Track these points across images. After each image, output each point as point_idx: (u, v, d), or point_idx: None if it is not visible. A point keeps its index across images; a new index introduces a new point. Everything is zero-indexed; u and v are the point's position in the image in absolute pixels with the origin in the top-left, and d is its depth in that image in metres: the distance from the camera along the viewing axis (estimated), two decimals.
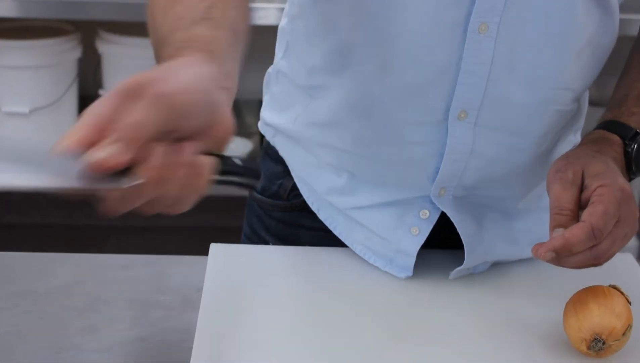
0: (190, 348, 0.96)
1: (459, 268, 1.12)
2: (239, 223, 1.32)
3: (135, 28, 2.36)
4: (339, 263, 1.16)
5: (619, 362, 0.98)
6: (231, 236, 1.28)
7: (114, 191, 0.72)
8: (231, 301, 1.06)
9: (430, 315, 1.06)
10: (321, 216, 1.19)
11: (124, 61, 2.36)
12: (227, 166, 0.80)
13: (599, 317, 0.96)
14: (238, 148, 2.48)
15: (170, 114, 0.73)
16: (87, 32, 2.45)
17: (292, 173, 1.21)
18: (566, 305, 1.00)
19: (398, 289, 1.11)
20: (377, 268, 1.14)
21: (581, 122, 1.21)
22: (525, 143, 1.10)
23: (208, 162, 0.76)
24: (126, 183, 0.71)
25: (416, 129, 1.08)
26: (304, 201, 1.19)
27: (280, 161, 1.22)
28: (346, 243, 1.17)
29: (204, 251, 1.16)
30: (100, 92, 2.41)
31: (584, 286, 1.01)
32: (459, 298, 1.10)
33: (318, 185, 1.18)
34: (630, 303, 0.99)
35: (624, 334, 0.97)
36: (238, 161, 0.81)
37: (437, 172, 1.09)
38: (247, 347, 0.97)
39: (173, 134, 0.74)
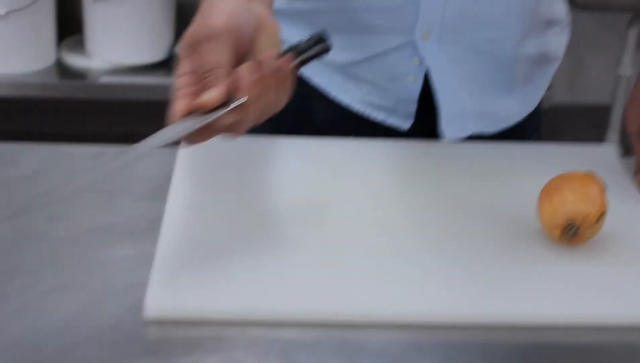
0: (158, 237, 0.95)
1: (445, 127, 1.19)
2: None
3: None
4: (312, 151, 1.15)
5: (592, 249, 0.97)
6: None
7: (227, 116, 0.86)
8: (201, 191, 1.05)
9: (401, 201, 1.05)
10: (316, 80, 1.23)
11: None
12: (297, 50, 0.94)
13: (573, 203, 0.95)
14: None
15: (231, 36, 0.86)
16: None
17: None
18: (541, 191, 0.99)
19: (368, 175, 1.10)
20: (341, 155, 1.14)
21: None
22: None
23: (285, 58, 0.89)
24: (233, 103, 0.86)
25: None
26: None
27: None
28: (344, 101, 1.23)
29: None
30: None
31: (560, 174, 1.00)
32: (432, 182, 1.09)
33: None
34: (605, 190, 0.97)
35: (597, 221, 0.95)
36: (303, 42, 0.96)
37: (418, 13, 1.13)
38: (216, 237, 0.96)
39: (242, 50, 0.88)
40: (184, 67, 0.88)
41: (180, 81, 0.87)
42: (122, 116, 2.62)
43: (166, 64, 2.42)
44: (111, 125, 2.64)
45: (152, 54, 2.41)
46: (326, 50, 0.97)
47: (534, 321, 0.88)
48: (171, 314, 0.86)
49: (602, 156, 1.16)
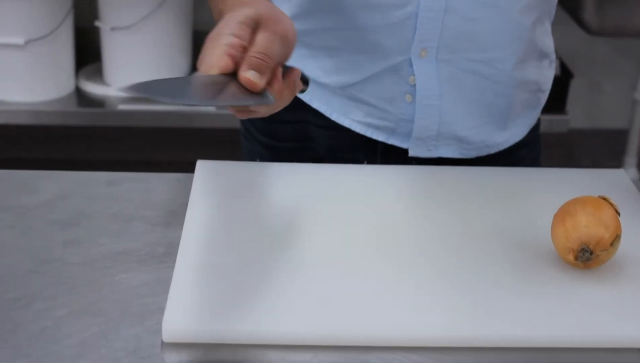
0: (174, 262, 0.96)
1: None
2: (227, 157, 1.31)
3: None
4: (322, 177, 1.15)
5: (607, 273, 0.97)
6: None
7: (256, 106, 0.91)
8: (217, 216, 1.05)
9: (415, 224, 1.05)
10: (315, 104, 1.25)
11: None
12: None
13: (586, 227, 0.95)
14: None
15: (285, 48, 0.91)
16: None
17: None
18: (554, 215, 0.99)
19: (381, 200, 1.10)
20: (352, 180, 1.14)
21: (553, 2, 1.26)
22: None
23: (296, 70, 0.94)
24: (267, 101, 0.89)
25: None
26: None
27: None
28: (344, 124, 1.25)
29: None
30: (97, 23, 2.38)
31: (573, 198, 1.00)
32: (445, 207, 1.10)
33: (313, 71, 1.22)
34: (619, 214, 0.98)
35: (612, 244, 0.95)
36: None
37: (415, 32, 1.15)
38: (232, 261, 0.97)
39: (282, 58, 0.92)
40: (241, 31, 0.89)
41: (231, 39, 0.88)
42: (139, 143, 2.64)
43: None
44: (129, 152, 2.66)
45: None
46: (301, 90, 0.99)
47: (548, 343, 0.88)
48: (188, 338, 0.86)
49: (617, 180, 1.16)
